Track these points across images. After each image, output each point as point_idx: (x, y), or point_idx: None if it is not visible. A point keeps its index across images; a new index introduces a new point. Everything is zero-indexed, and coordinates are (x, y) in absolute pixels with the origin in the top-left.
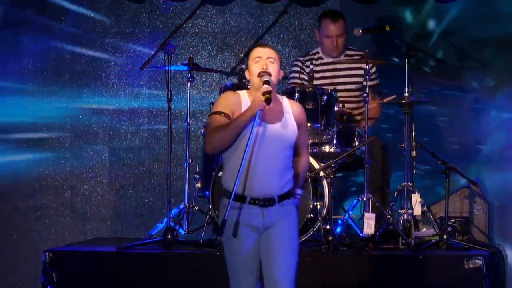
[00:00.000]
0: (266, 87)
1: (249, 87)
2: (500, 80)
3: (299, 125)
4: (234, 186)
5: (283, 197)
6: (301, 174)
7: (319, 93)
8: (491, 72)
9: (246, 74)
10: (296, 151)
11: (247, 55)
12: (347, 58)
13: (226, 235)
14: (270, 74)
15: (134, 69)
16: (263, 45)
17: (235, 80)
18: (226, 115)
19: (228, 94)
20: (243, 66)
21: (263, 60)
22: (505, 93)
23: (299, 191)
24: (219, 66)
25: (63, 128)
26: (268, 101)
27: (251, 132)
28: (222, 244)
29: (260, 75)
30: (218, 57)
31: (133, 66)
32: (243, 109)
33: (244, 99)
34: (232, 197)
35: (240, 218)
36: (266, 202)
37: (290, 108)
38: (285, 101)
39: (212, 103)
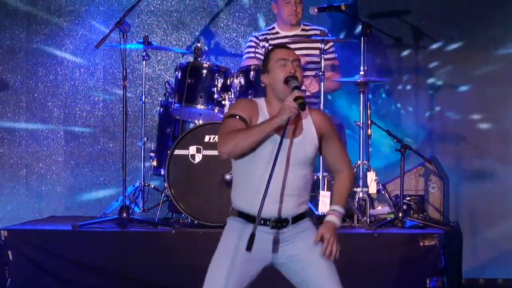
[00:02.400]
0: (297, 92)
1: (265, 94)
2: (455, 58)
3: (323, 136)
4: (259, 210)
5: (297, 218)
6: (343, 191)
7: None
8: (446, 50)
9: (264, 79)
10: (332, 167)
11: (265, 57)
12: (304, 33)
13: (222, 244)
14: (297, 79)
15: (89, 47)
16: (286, 47)
17: (191, 59)
18: (242, 119)
19: (245, 100)
20: (198, 44)
21: (289, 63)
22: (460, 70)
23: (339, 208)
24: (174, 45)
25: (18, 106)
26: (302, 106)
27: (279, 146)
28: (177, 222)
29: (287, 80)
30: (174, 36)
31: (88, 45)
32: (261, 116)
33: (262, 107)
34: (256, 222)
35: (246, 234)
36: (278, 223)
37: (311, 118)
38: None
39: (168, 82)
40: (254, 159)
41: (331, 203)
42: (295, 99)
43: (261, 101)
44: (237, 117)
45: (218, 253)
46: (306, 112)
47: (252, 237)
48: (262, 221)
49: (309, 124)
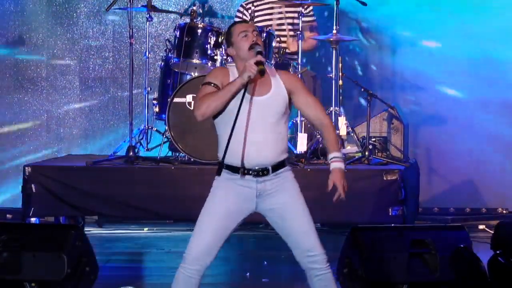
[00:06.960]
0: (259, 57)
1: (232, 63)
2: (395, 19)
3: (292, 92)
4: (225, 151)
5: (277, 166)
6: (332, 138)
7: (259, 31)
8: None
9: (230, 51)
10: (311, 119)
11: (227, 32)
12: None
13: (212, 194)
14: (259, 45)
15: (101, 10)
16: (244, 21)
17: (188, 20)
18: (215, 85)
19: (218, 68)
20: (194, 8)
21: (250, 33)
22: (412, 27)
23: (338, 154)
24: (173, 8)
25: (40, 61)
26: (262, 72)
27: (240, 102)
28: (176, 159)
29: (251, 47)
30: (173, 0)
31: (100, 8)
32: (231, 80)
33: (233, 73)
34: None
35: (232, 186)
36: (260, 172)
37: (280, 78)
38: (273, 71)
39: (168, 40)
40: (229, 117)
41: (328, 152)
42: (256, 63)
43: (233, 69)
44: (212, 84)
45: (207, 206)
46: (275, 73)
47: (220, 165)
48: (245, 171)
49: (278, 83)
